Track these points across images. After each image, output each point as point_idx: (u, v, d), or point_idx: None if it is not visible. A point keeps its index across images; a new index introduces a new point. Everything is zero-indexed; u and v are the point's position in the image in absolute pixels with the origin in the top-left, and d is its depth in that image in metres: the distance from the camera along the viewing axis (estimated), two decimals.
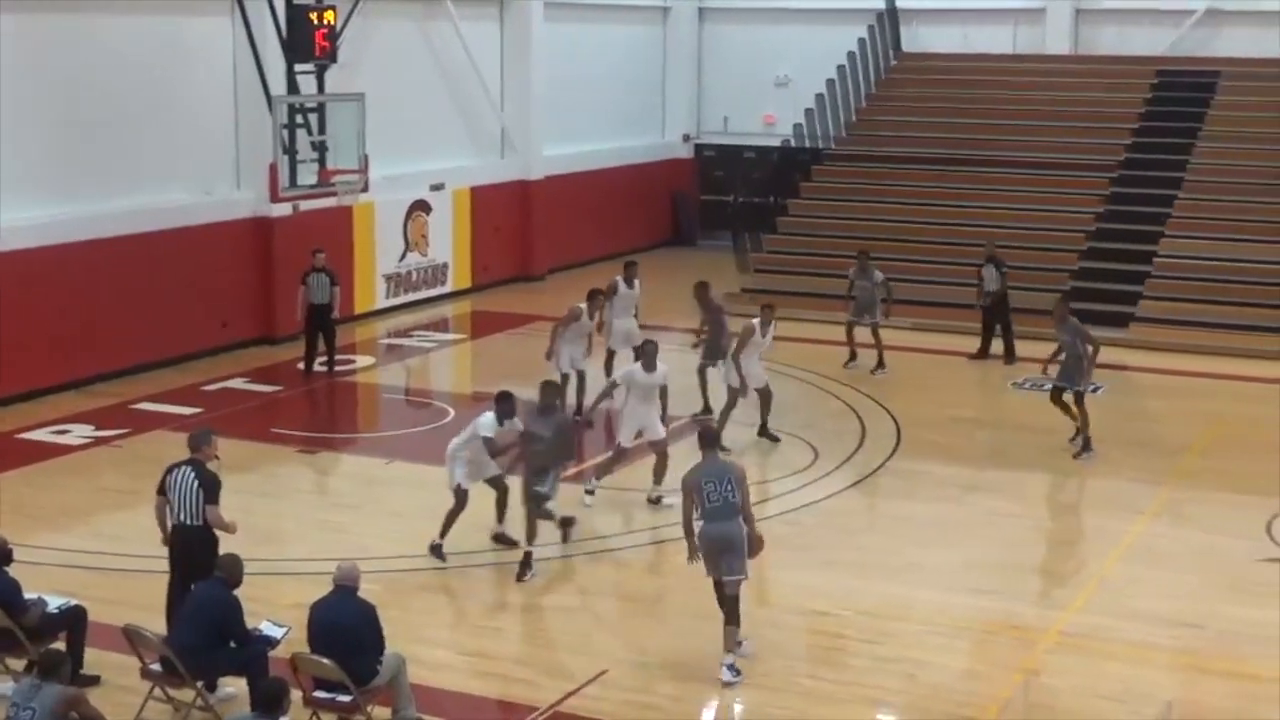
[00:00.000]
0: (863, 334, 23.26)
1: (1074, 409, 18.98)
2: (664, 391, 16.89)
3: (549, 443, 14.62)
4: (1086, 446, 18.85)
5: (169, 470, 12.51)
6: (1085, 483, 18.48)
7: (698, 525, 12.40)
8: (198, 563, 12.05)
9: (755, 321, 19.02)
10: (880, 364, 23.08)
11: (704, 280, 20.87)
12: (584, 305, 19.89)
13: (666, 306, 27.12)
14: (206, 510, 12.27)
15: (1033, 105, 31.50)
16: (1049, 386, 19.54)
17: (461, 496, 14.90)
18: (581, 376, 19.97)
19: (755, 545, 12.38)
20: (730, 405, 18.83)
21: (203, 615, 11.14)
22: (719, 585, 12.34)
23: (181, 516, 12.33)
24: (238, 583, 11.36)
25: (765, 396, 19.14)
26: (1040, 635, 13.40)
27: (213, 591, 11.27)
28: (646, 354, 16.72)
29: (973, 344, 24.36)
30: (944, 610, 13.89)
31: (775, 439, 19.13)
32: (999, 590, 14.47)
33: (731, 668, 12.31)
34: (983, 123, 31.26)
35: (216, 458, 12.75)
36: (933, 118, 31.75)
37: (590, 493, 16.54)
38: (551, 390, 15.05)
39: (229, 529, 12.39)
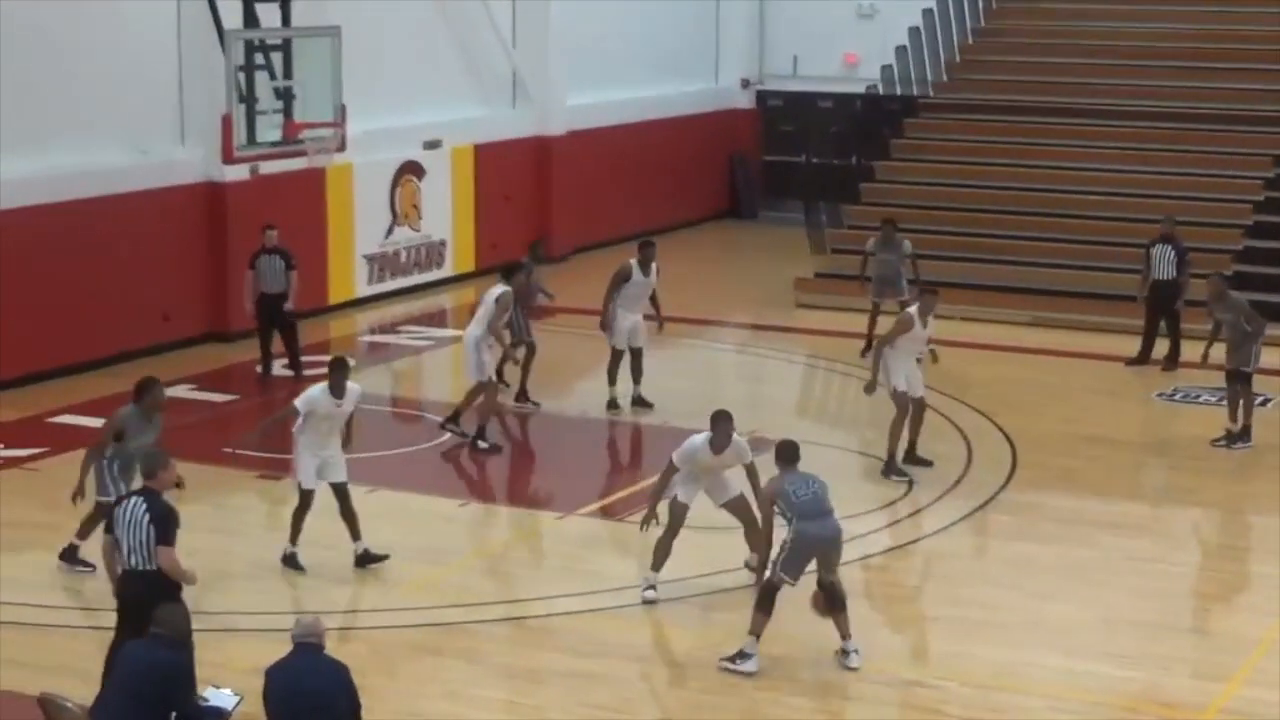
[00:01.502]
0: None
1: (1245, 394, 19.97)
2: (751, 471, 15.21)
3: (140, 454, 14.58)
4: (1245, 436, 20.00)
5: (117, 502, 12.51)
6: (1249, 520, 18.40)
7: (792, 530, 13.71)
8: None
9: (913, 310, 18.93)
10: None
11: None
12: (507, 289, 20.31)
13: (719, 295, 27.13)
14: (159, 552, 12.22)
15: (1182, 42, 31.34)
16: (1203, 398, 19.53)
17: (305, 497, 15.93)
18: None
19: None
20: (900, 417, 18.79)
21: (139, 683, 11.02)
22: (825, 587, 13.81)
23: (131, 560, 12.29)
24: (183, 641, 11.31)
25: (918, 409, 19.02)
26: (1196, 713, 13.29)
27: (152, 653, 11.17)
28: (718, 429, 14.95)
29: (1106, 343, 24.27)
30: (1073, 681, 13.78)
31: (927, 463, 19.07)
32: (1142, 656, 14.35)
33: (857, 652, 13.79)
34: (1118, 64, 31.12)
35: (177, 485, 12.78)
36: (1055, 58, 31.59)
37: (652, 588, 15.42)
38: (156, 389, 15.31)
39: (186, 579, 12.34)
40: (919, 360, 19.28)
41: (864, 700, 13.45)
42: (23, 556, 16.35)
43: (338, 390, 15.79)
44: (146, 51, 24.05)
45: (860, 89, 33.29)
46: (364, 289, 27.68)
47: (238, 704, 11.59)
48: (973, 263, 27.36)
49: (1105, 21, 32.30)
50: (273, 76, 22.11)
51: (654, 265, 21.27)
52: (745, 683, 13.71)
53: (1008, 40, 32.83)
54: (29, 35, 22.36)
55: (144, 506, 12.32)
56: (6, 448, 19.70)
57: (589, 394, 21.62)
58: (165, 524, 12.28)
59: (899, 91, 32.28)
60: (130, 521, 12.29)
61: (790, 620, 14.64)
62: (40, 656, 13.63)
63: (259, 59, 22.00)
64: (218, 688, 11.70)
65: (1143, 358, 23.78)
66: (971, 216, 28.33)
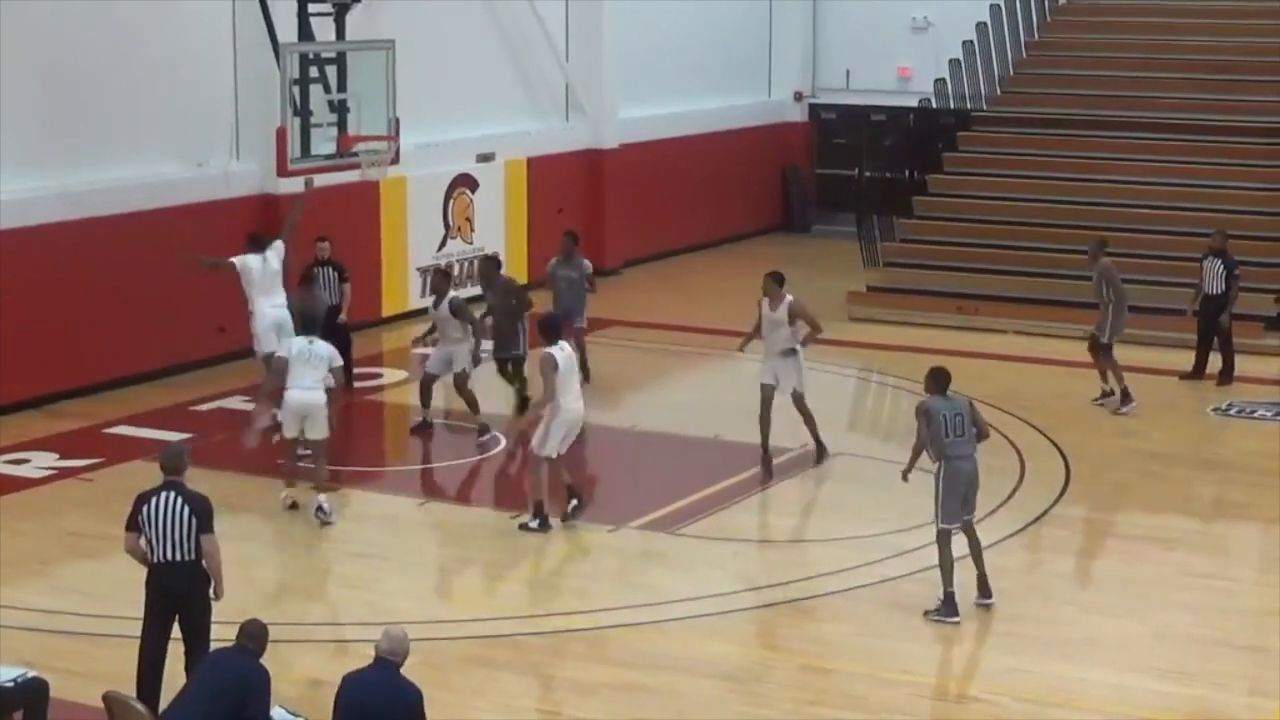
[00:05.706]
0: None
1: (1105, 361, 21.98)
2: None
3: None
4: (1125, 398, 21.87)
5: (142, 500, 12.61)
6: None
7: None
8: (193, 610, 12.21)
9: (762, 300, 19.57)
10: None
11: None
12: None
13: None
14: (203, 540, 12.42)
15: (1235, 55, 31.13)
16: (1259, 413, 19.59)
17: None
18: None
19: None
20: (763, 411, 19.48)
21: (224, 688, 11.12)
22: (965, 530, 15.33)
23: (169, 553, 12.44)
24: (262, 654, 11.45)
25: (797, 407, 19.64)
26: None
27: (244, 663, 11.33)
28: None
29: (1162, 357, 24.21)
30: (1126, 697, 13.76)
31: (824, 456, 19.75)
32: (1197, 672, 14.32)
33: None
34: (1172, 77, 30.95)
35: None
36: (1109, 71, 31.49)
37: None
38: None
39: (217, 585, 12.49)
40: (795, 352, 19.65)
41: (917, 715, 13.45)
42: (81, 564, 16.49)
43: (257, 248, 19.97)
44: (202, 64, 24.19)
45: (913, 102, 33.22)
46: (418, 301, 27.68)
47: None
48: (1026, 276, 27.29)
49: (1159, 35, 32.17)
50: (327, 90, 22.21)
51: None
52: (797, 697, 13.73)
53: (1061, 54, 32.72)
54: (84, 48, 22.53)
55: (179, 499, 12.49)
56: (63, 458, 19.84)
57: (639, 407, 21.64)
58: (206, 513, 12.54)
59: (952, 105, 32.22)
60: (166, 515, 12.44)
61: (843, 636, 14.69)
62: (98, 666, 13.69)
63: (313, 72, 22.11)
64: (289, 710, 11.78)
65: (1197, 372, 23.68)
66: (1025, 230, 28.26)
